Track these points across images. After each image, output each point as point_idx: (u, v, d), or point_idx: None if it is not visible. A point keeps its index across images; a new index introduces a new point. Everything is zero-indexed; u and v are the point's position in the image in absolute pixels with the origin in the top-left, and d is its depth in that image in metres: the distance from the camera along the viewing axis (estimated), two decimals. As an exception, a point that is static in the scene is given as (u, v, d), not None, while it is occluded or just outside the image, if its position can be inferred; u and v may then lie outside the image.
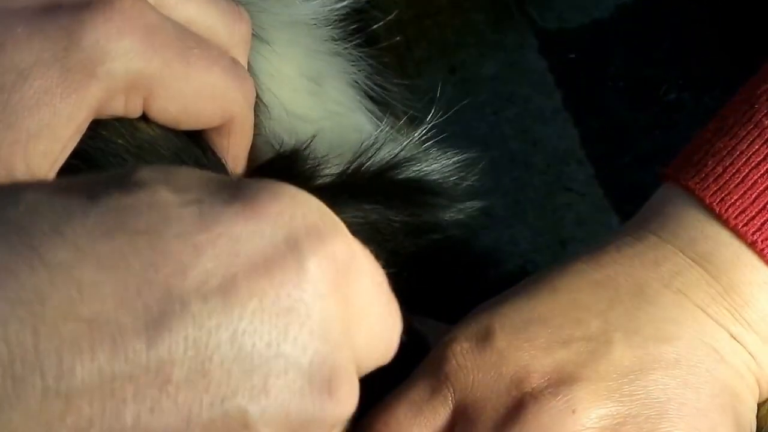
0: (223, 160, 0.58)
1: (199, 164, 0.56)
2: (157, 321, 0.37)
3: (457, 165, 0.69)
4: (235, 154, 0.58)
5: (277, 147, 0.65)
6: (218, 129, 0.56)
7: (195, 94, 0.53)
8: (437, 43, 1.06)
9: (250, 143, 0.59)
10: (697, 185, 0.61)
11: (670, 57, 1.05)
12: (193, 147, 0.56)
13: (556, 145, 1.00)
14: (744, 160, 0.61)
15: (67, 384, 0.36)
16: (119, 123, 0.53)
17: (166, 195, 0.39)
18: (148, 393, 0.37)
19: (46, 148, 0.49)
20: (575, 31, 1.06)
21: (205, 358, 0.38)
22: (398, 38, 0.78)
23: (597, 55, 1.06)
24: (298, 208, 0.41)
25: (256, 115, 0.61)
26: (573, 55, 1.06)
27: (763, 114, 0.61)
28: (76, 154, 0.51)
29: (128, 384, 0.37)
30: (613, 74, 1.06)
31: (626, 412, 0.57)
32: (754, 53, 1.00)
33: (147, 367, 0.37)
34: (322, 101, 0.71)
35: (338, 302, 0.41)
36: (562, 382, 0.56)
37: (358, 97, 0.74)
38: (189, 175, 0.42)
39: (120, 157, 0.54)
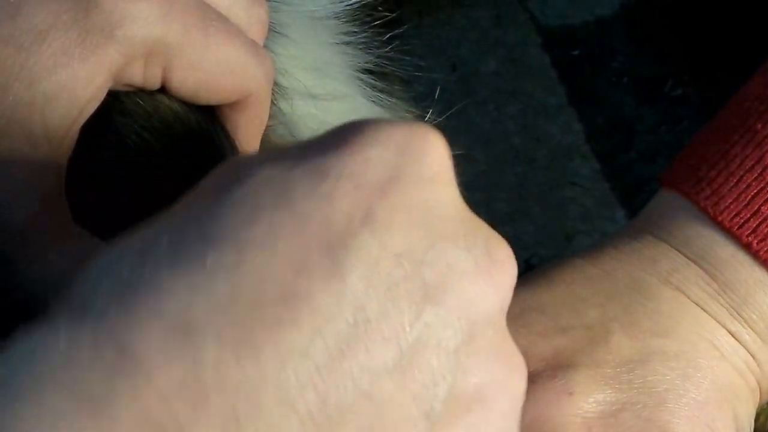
0: (234, 140, 0.57)
1: (215, 142, 0.56)
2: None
3: (457, 161, 0.69)
4: (249, 133, 0.58)
5: (290, 131, 0.65)
6: (234, 105, 0.56)
7: (214, 67, 0.53)
8: (439, 39, 1.06)
9: (264, 124, 0.58)
10: (692, 189, 0.61)
11: (675, 53, 1.05)
12: (210, 124, 0.56)
13: (560, 141, 1.00)
14: (737, 164, 0.61)
15: None
16: (139, 95, 0.53)
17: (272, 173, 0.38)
18: None
19: (63, 111, 0.49)
20: (579, 27, 1.06)
21: (391, 284, 0.37)
22: (400, 34, 0.79)
23: (601, 51, 1.06)
24: (385, 132, 0.39)
25: (272, 102, 0.60)
26: (577, 52, 1.06)
27: (755, 118, 0.61)
28: (96, 123, 0.51)
29: None
30: (618, 70, 1.05)
31: (625, 399, 0.57)
32: (759, 48, 1.00)
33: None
34: (329, 91, 0.70)
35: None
36: (559, 366, 0.56)
37: (365, 89, 0.74)
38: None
39: (141, 126, 0.54)
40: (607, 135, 1.03)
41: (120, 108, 0.53)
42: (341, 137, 0.38)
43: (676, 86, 1.03)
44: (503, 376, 0.40)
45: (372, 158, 0.38)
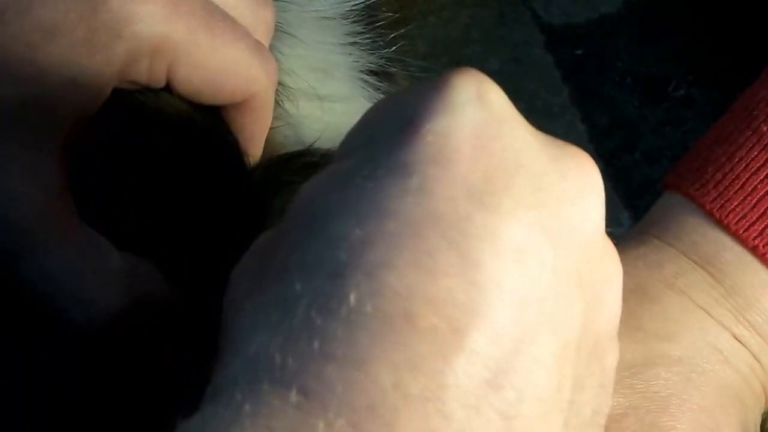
0: (238, 140, 0.58)
1: (219, 141, 0.57)
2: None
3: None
4: (252, 134, 0.58)
5: (295, 132, 0.66)
6: (239, 106, 0.56)
7: (218, 67, 0.54)
8: (442, 39, 1.05)
9: (268, 126, 0.59)
10: (697, 192, 0.61)
11: (679, 52, 1.05)
12: (214, 123, 0.57)
13: (564, 140, 0.99)
14: (743, 166, 0.60)
15: None
16: (144, 93, 0.54)
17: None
18: None
19: (70, 107, 0.50)
20: (582, 26, 1.06)
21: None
22: (403, 34, 0.79)
23: (605, 51, 1.06)
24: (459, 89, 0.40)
25: (277, 103, 0.61)
26: (580, 51, 1.05)
27: (761, 121, 0.61)
28: (102, 119, 0.52)
29: None
30: (621, 70, 1.05)
31: (627, 404, 0.57)
32: (764, 49, 1.00)
33: None
34: (334, 92, 0.71)
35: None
36: None
37: (369, 90, 0.75)
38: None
39: (146, 124, 0.54)
40: (610, 135, 1.03)
41: (125, 105, 0.53)
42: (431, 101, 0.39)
43: (680, 86, 1.03)
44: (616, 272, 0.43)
45: (463, 115, 0.39)
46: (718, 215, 0.60)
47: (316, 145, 0.63)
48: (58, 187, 0.49)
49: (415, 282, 0.36)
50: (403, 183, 0.37)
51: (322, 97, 0.70)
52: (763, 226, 0.59)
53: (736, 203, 0.60)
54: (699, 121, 1.02)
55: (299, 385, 0.35)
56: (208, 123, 0.56)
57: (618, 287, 0.43)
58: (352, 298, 0.36)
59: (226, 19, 0.54)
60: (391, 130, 0.39)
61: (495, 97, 0.39)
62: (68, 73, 0.49)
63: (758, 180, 0.60)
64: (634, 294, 0.59)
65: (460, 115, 0.38)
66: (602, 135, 1.03)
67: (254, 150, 0.59)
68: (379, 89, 0.75)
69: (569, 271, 0.39)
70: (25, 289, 0.49)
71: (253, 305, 0.38)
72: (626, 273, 0.60)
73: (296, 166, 0.61)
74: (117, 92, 0.52)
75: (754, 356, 0.60)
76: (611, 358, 0.43)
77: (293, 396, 0.35)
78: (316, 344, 0.36)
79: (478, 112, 0.39)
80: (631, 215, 0.99)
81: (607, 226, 1.02)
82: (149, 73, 0.52)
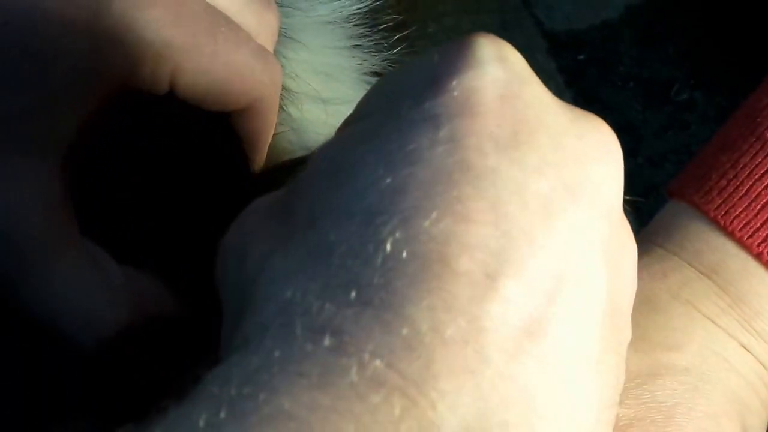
0: (242, 145, 0.57)
1: (224, 147, 0.57)
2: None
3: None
4: (257, 139, 0.58)
5: (299, 136, 0.65)
6: (243, 112, 0.56)
7: (222, 72, 0.53)
8: (444, 45, 1.05)
9: (272, 131, 0.59)
10: (701, 199, 0.61)
11: (681, 57, 1.05)
12: (219, 129, 0.56)
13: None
14: (747, 173, 0.61)
15: None
16: (148, 98, 0.53)
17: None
18: None
19: (70, 113, 0.49)
20: (584, 32, 1.06)
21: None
22: (406, 37, 0.79)
23: (607, 56, 1.06)
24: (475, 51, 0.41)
25: (281, 107, 0.61)
26: (582, 56, 1.06)
27: (765, 127, 0.61)
28: (105, 126, 0.52)
29: None
30: (624, 74, 1.06)
31: (632, 415, 0.57)
32: (764, 52, 1.00)
33: None
34: (338, 95, 0.70)
35: None
36: None
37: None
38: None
39: (151, 130, 0.54)
40: (613, 140, 1.03)
41: (128, 112, 0.53)
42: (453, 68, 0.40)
43: (682, 91, 1.03)
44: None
45: (487, 72, 0.40)
46: (722, 222, 0.60)
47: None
48: (58, 199, 0.49)
49: (450, 227, 0.37)
50: (432, 133, 0.38)
51: (326, 100, 0.70)
52: (766, 232, 0.59)
53: (740, 210, 0.60)
54: (701, 125, 1.03)
55: (333, 328, 0.36)
56: (212, 129, 0.56)
57: (634, 261, 0.43)
58: (388, 244, 0.37)
59: (229, 24, 0.54)
60: (416, 88, 0.40)
61: (515, 58, 0.41)
62: (70, 81, 0.49)
63: (762, 186, 0.60)
64: (639, 305, 0.59)
65: (485, 72, 0.39)
66: (605, 139, 1.03)
67: (258, 155, 0.59)
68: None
69: (591, 231, 0.40)
70: (25, 304, 0.48)
71: (283, 255, 0.39)
72: None
73: (300, 171, 0.61)
74: (121, 99, 0.52)
75: (762, 363, 0.60)
76: (625, 335, 0.43)
77: (327, 340, 0.35)
78: (353, 292, 0.36)
79: (501, 71, 0.40)
80: (635, 218, 0.99)
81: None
82: (153, 78, 0.52)
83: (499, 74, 0.40)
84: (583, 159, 0.40)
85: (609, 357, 0.41)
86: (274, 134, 0.60)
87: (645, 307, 0.59)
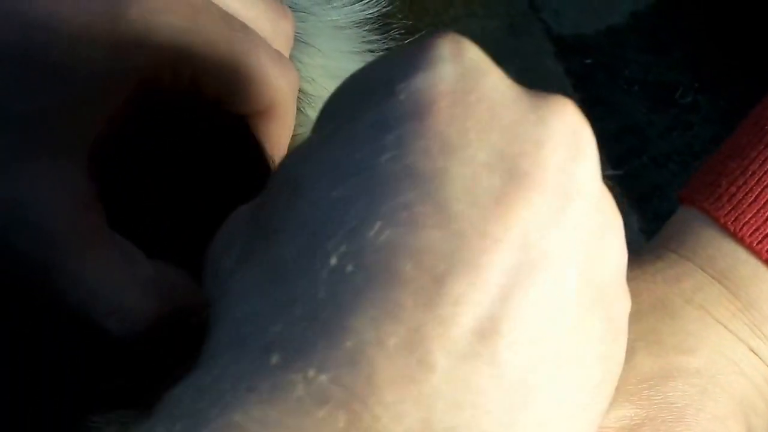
0: (263, 146, 0.57)
1: (246, 148, 0.57)
2: None
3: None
4: (276, 141, 0.58)
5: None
6: (261, 115, 0.56)
7: (238, 77, 0.54)
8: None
9: (291, 133, 0.59)
10: (712, 206, 0.62)
11: (685, 61, 1.06)
12: (240, 131, 0.57)
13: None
14: (756, 180, 0.62)
15: None
16: (170, 102, 0.54)
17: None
18: None
19: (93, 116, 0.50)
20: (591, 36, 1.07)
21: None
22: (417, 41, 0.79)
23: (613, 60, 1.07)
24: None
25: (299, 110, 0.60)
26: (589, 60, 1.07)
27: (771, 135, 0.62)
28: (131, 129, 0.52)
29: None
30: (629, 78, 1.06)
31: (644, 415, 0.57)
32: (767, 56, 1.02)
33: None
34: None
35: None
36: None
37: None
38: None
39: (175, 133, 0.54)
40: (619, 140, 1.04)
41: (153, 114, 0.53)
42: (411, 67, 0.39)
43: (686, 94, 1.04)
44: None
45: (438, 72, 0.39)
46: (732, 228, 0.60)
47: None
48: (87, 196, 0.49)
49: (395, 235, 0.36)
50: (378, 140, 0.38)
51: None
52: (776, 239, 0.60)
53: (750, 216, 0.61)
54: (704, 127, 1.04)
55: (281, 345, 0.36)
56: (234, 129, 0.56)
57: (619, 231, 0.42)
58: (334, 258, 0.36)
59: (245, 29, 0.54)
60: (371, 92, 0.39)
61: (471, 53, 0.39)
62: (91, 84, 0.49)
63: (770, 193, 0.61)
64: (653, 309, 0.60)
65: (435, 71, 0.38)
66: (611, 140, 1.04)
67: (277, 158, 0.58)
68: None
69: (558, 214, 0.38)
70: (56, 300, 0.49)
71: (243, 272, 0.39)
72: (645, 288, 0.61)
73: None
74: (143, 101, 0.52)
75: None
76: (620, 306, 0.42)
77: (275, 357, 0.35)
78: (300, 308, 0.36)
79: (453, 68, 0.38)
80: (640, 218, 1.00)
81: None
82: (172, 82, 0.52)
83: (451, 71, 0.38)
84: (543, 144, 0.38)
85: (593, 342, 0.40)
86: (293, 136, 0.60)
87: (659, 311, 0.60)
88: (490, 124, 0.38)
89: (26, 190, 0.48)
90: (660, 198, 1.01)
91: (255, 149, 0.57)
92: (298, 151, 0.41)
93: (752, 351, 0.61)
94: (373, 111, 0.39)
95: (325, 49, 0.69)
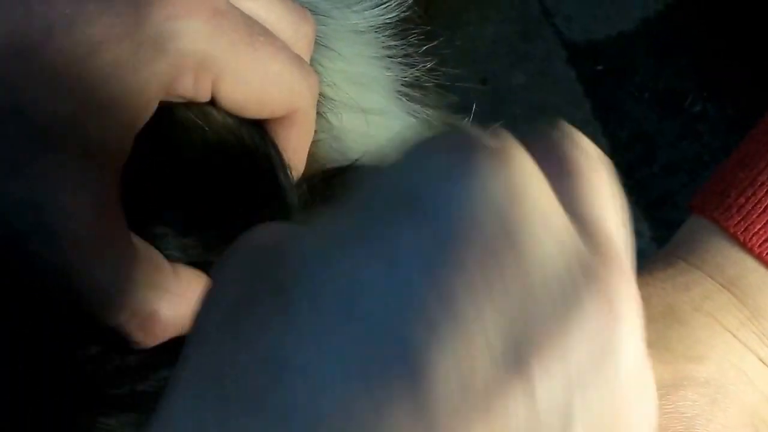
0: (281, 154, 0.57)
1: (265, 156, 0.56)
2: None
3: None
4: (296, 147, 0.58)
5: (338, 145, 0.65)
6: (282, 121, 0.56)
7: (261, 81, 0.53)
8: (470, 52, 1.07)
9: (311, 139, 0.59)
10: (721, 216, 0.62)
11: (694, 69, 1.07)
12: (259, 138, 0.56)
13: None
14: (765, 190, 0.63)
15: None
16: (191, 107, 0.54)
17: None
18: None
19: (117, 120, 0.49)
20: (602, 42, 1.08)
21: None
22: (434, 47, 0.80)
23: (623, 66, 1.08)
24: None
25: (320, 114, 0.60)
26: (600, 66, 1.07)
27: (779, 146, 0.62)
28: (150, 134, 0.52)
29: None
30: (639, 85, 1.07)
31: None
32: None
33: None
34: (372, 105, 0.70)
35: None
36: None
37: (404, 102, 0.75)
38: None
39: (195, 139, 0.54)
40: (629, 148, 1.05)
41: (173, 120, 0.54)
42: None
43: (695, 102, 1.05)
44: None
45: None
46: (741, 238, 0.61)
47: (359, 160, 0.62)
48: (108, 200, 0.49)
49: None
50: (378, 278, 0.33)
51: (364, 109, 0.69)
52: (785, 249, 0.61)
53: (759, 226, 0.61)
54: (713, 136, 1.04)
55: None
56: (255, 139, 0.56)
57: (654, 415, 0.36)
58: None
59: (266, 34, 0.54)
60: (388, 203, 0.34)
61: (519, 169, 0.34)
62: (114, 87, 0.49)
63: (778, 204, 0.61)
64: (663, 316, 0.60)
65: (472, 191, 0.33)
66: (622, 148, 1.05)
67: (298, 163, 0.58)
68: (413, 100, 0.76)
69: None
70: (72, 303, 0.49)
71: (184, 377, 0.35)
72: (655, 294, 0.61)
73: (339, 181, 0.61)
74: (165, 106, 0.52)
75: None
76: None
77: None
78: None
79: (494, 188, 0.33)
80: (651, 226, 1.01)
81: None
82: (194, 88, 0.52)
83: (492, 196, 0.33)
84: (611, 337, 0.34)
85: None
86: (313, 141, 0.60)
87: (668, 318, 0.61)
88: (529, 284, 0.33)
89: (45, 192, 0.48)
90: (671, 206, 1.01)
91: (274, 156, 0.57)
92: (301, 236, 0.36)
93: (761, 360, 0.61)
94: (383, 235, 0.34)
95: (346, 54, 0.69)
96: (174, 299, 0.50)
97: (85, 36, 0.49)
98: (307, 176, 0.61)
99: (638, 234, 0.94)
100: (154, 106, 0.51)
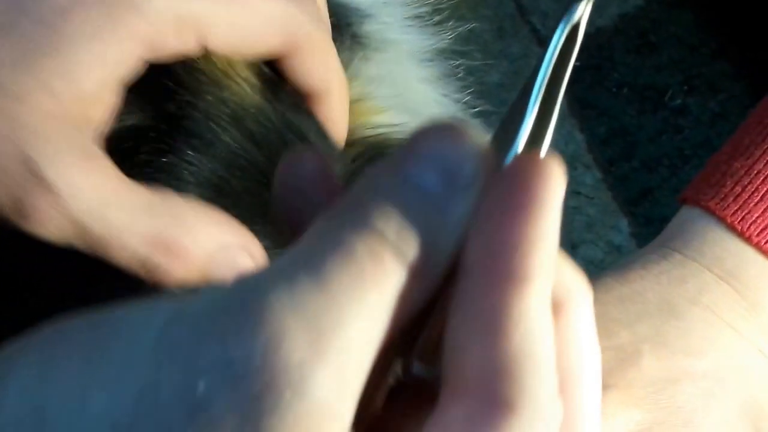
0: (324, 127, 0.57)
1: (303, 131, 0.55)
2: None
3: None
4: (333, 118, 0.57)
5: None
6: (313, 98, 0.56)
7: (248, 24, 0.53)
8: (442, 50, 1.06)
9: (347, 109, 0.58)
10: (718, 205, 0.62)
11: (674, 64, 1.06)
12: (294, 111, 0.56)
13: (564, 150, 1.01)
14: (761, 179, 0.62)
15: None
16: (205, 81, 0.54)
17: None
18: None
19: (96, 77, 0.50)
20: (579, 38, 1.07)
21: None
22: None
23: (601, 62, 1.07)
24: None
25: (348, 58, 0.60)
26: (577, 63, 1.06)
27: (775, 134, 0.62)
28: (164, 117, 0.52)
29: None
30: (618, 81, 1.07)
31: (652, 419, 0.58)
32: (757, 60, 1.02)
33: None
34: None
35: None
36: None
37: None
38: None
39: (217, 116, 0.53)
40: (608, 144, 1.04)
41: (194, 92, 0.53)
42: None
43: (675, 96, 1.05)
44: None
45: None
46: (739, 228, 0.61)
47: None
48: (88, 149, 0.49)
49: None
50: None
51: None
52: (784, 237, 0.60)
53: (756, 215, 0.61)
54: (695, 130, 1.04)
55: None
56: (287, 109, 0.55)
57: None
58: None
59: None
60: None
61: None
62: (92, 46, 0.49)
63: (776, 192, 0.61)
64: (659, 310, 0.60)
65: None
66: (601, 144, 1.04)
67: (339, 131, 0.58)
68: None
69: None
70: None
71: None
72: (650, 288, 0.61)
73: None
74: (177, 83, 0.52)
75: None
76: None
77: None
78: None
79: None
80: (631, 222, 1.01)
81: (607, 233, 1.04)
82: (180, 42, 0.51)
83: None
84: None
85: None
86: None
87: (665, 313, 0.60)
88: None
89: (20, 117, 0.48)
90: (650, 202, 1.01)
91: (316, 128, 0.56)
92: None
93: (761, 352, 0.60)
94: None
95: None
96: (192, 229, 0.49)
97: (57, 1, 0.49)
98: (364, 152, 0.60)
99: (617, 230, 0.93)
100: (137, 63, 0.51)
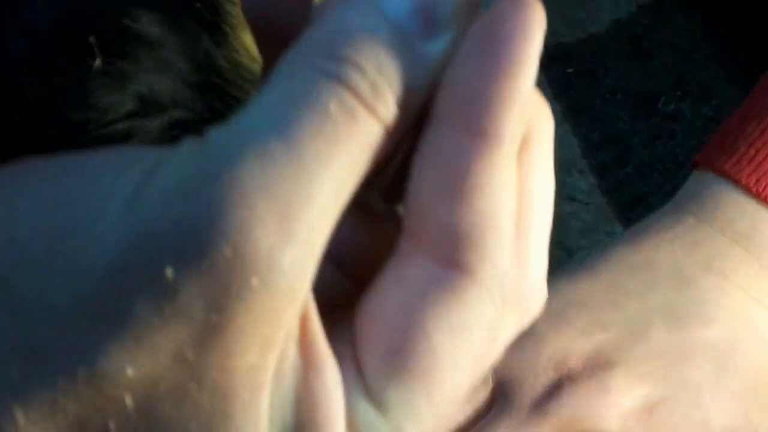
0: None
1: None
2: None
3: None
4: None
5: None
6: None
7: None
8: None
9: None
10: (732, 168, 0.62)
11: (667, 69, 1.07)
12: None
13: (558, 156, 1.00)
14: None
15: None
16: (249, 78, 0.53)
17: None
18: None
19: None
20: (572, 45, 1.08)
21: None
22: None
23: (594, 68, 1.08)
24: None
25: None
26: (571, 69, 1.07)
27: (787, 98, 0.63)
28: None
29: None
30: (611, 86, 1.07)
31: (660, 394, 0.57)
32: (749, 65, 1.02)
33: None
34: None
35: None
36: (599, 365, 0.57)
37: None
38: None
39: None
40: (602, 149, 1.04)
41: None
42: None
43: (669, 102, 1.05)
44: None
45: None
46: (754, 189, 0.60)
47: None
48: None
49: None
50: None
51: None
52: (798, 198, 0.60)
53: None
54: (688, 136, 1.04)
55: None
56: None
57: None
58: None
59: None
60: None
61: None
62: None
63: (791, 154, 0.61)
64: (670, 278, 0.60)
65: None
66: (595, 149, 1.04)
67: None
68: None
69: None
70: None
71: None
72: (663, 255, 0.61)
73: None
74: None
75: None
76: None
77: None
78: None
79: None
80: (625, 228, 1.00)
81: (602, 239, 1.03)
82: None
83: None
84: None
85: None
86: None
87: (677, 281, 0.60)
88: None
89: None
90: (644, 207, 1.01)
91: None
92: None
93: None
94: None
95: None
96: None
97: None
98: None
99: (613, 235, 0.93)
100: None
